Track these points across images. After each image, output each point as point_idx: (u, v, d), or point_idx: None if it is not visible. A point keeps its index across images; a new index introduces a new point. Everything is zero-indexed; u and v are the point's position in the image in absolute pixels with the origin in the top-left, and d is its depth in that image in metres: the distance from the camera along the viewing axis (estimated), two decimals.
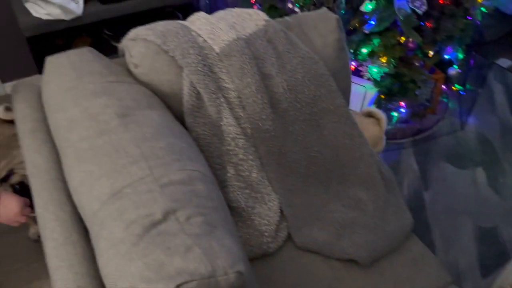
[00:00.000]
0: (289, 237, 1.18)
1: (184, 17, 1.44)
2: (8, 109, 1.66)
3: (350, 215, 1.22)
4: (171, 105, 1.09)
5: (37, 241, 1.68)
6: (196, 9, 2.47)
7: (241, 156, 1.12)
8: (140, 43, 1.07)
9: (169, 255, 0.64)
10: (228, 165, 1.12)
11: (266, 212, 1.16)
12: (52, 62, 1.08)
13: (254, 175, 1.15)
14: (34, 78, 1.18)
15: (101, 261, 0.68)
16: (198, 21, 1.14)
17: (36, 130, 1.01)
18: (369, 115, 1.49)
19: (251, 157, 1.14)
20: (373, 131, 1.59)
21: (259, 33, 1.15)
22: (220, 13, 1.20)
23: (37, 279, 1.59)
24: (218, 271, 0.62)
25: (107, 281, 0.66)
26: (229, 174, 1.13)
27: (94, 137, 0.85)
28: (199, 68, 1.04)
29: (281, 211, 1.19)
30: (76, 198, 0.81)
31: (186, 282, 0.59)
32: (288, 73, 1.14)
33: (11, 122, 1.67)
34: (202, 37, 1.10)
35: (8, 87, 2.50)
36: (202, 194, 0.79)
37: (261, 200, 1.17)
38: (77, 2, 2.01)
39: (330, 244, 1.15)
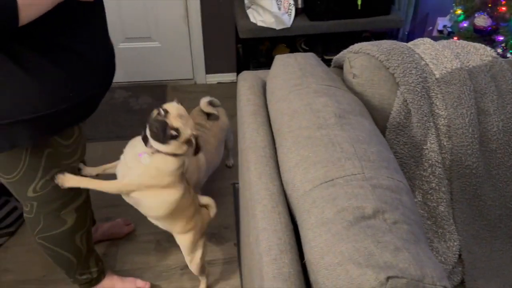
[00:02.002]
0: (461, 283, 1.11)
1: None
2: (210, 103, 1.90)
3: None
4: (374, 118, 1.13)
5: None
6: (395, 38, 2.50)
7: (433, 185, 1.10)
8: (363, 57, 1.14)
9: (379, 248, 0.67)
10: (417, 191, 1.11)
11: (444, 250, 1.11)
12: (281, 60, 1.22)
13: (441, 208, 1.12)
14: (259, 71, 1.35)
15: (310, 234, 0.75)
16: (423, 45, 1.16)
17: (256, 113, 1.17)
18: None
19: (443, 189, 1.11)
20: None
21: (483, 67, 1.12)
22: (444, 42, 1.20)
23: None
24: (427, 278, 0.63)
25: (312, 252, 0.73)
26: (415, 200, 1.12)
27: (313, 129, 0.94)
28: (417, 89, 1.06)
29: (459, 255, 1.12)
30: (288, 176, 0.91)
31: (396, 277, 0.62)
32: (507, 114, 1.08)
33: (206, 113, 1.91)
34: (425, 61, 1.12)
35: (208, 78, 2.90)
36: (407, 205, 0.81)
37: (442, 236, 1.13)
38: (289, 15, 2.23)
39: None
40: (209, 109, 1.87)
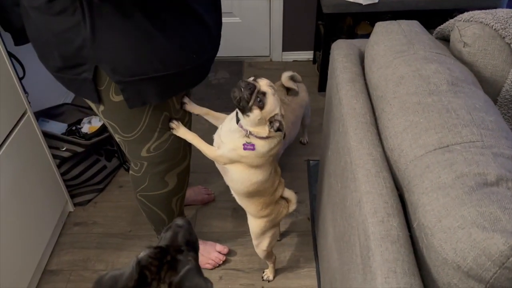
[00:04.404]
0: None
1: None
2: (292, 78, 1.87)
3: None
4: (484, 90, 1.06)
5: None
6: None
7: None
8: (475, 25, 1.07)
9: (506, 214, 0.63)
10: None
11: None
12: (382, 26, 1.18)
13: None
14: (353, 40, 1.32)
15: (424, 198, 0.73)
16: None
17: (354, 80, 1.14)
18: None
19: None
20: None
21: None
22: None
23: None
24: None
25: (427, 215, 0.70)
26: None
27: (423, 95, 0.90)
28: None
29: None
30: (394, 142, 0.89)
31: None
32: None
33: (286, 88, 1.88)
34: None
35: (284, 55, 2.89)
36: None
37: None
38: None
39: None
40: (290, 84, 1.85)
